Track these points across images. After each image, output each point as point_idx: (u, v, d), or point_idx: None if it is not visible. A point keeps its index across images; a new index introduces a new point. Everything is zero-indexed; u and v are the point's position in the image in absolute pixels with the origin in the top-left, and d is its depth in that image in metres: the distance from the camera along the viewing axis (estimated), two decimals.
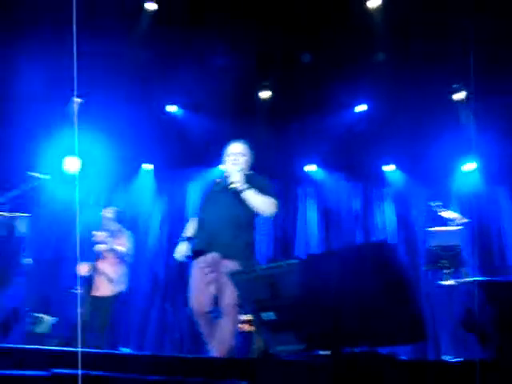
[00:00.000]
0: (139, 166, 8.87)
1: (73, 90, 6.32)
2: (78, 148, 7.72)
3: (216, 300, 3.73)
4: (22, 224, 5.17)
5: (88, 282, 5.56)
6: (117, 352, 3.18)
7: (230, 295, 3.55)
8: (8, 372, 1.76)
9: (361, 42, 6.94)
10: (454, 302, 5.00)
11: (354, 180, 8.80)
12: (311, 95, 7.76)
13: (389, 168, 8.70)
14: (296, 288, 2.86)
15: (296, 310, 2.83)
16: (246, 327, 6.11)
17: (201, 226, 3.87)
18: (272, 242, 8.64)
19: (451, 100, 7.65)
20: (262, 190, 3.79)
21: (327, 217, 8.77)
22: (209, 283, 3.74)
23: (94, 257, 5.64)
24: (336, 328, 2.69)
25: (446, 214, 5.60)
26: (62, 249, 7.46)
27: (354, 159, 8.46)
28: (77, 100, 7.43)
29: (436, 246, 5.12)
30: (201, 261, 3.79)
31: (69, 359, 1.92)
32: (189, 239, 3.94)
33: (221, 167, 4.15)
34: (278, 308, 3.03)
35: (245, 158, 3.96)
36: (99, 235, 5.64)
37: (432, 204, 5.77)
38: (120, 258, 5.78)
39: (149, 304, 8.16)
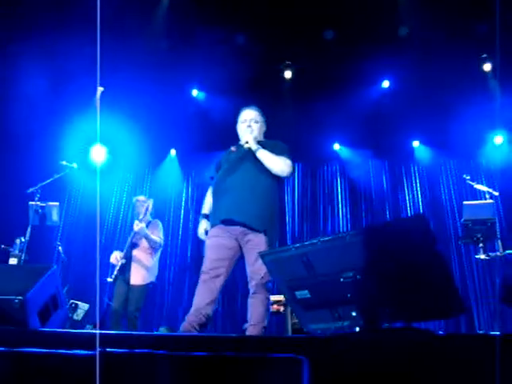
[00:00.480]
0: (167, 152, 8.92)
1: (96, 79, 6.35)
2: (105, 137, 7.82)
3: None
4: (54, 212, 5.24)
5: (122, 269, 5.54)
6: (156, 333, 3.23)
7: (260, 273, 3.42)
8: (53, 351, 1.78)
9: (384, 17, 6.80)
10: (491, 275, 4.93)
11: (381, 157, 8.71)
12: (335, 72, 7.66)
13: (416, 144, 8.59)
14: (331, 265, 2.83)
15: (333, 286, 2.81)
16: (276, 307, 6.16)
17: (220, 196, 3.67)
18: (300, 220, 8.65)
19: (479, 71, 7.48)
20: (276, 151, 3.72)
21: (355, 195, 8.72)
22: (228, 248, 3.55)
23: (127, 245, 5.59)
24: (375, 303, 2.67)
25: (480, 187, 5.50)
26: (93, 237, 7.56)
27: (380, 136, 8.36)
28: (100, 88, 7.47)
29: (470, 219, 5.04)
30: (222, 233, 3.57)
31: (104, 340, 1.93)
32: (207, 216, 3.81)
33: (237, 129, 4.01)
34: (312, 286, 3.00)
35: (258, 124, 3.88)
36: (139, 224, 5.53)
37: (466, 177, 5.66)
38: (154, 247, 5.73)
39: (179, 288, 8.24)
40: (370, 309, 2.80)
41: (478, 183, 5.67)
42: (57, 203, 5.34)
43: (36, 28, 6.51)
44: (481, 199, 5.48)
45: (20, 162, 6.53)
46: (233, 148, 3.91)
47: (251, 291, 3.49)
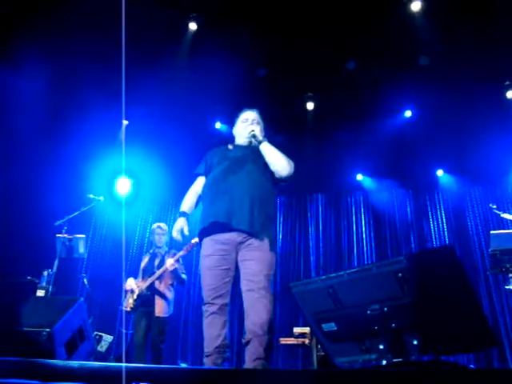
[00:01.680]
0: (191, 183, 8.99)
1: (121, 113, 6.47)
2: (130, 169, 7.95)
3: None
4: (81, 245, 5.32)
5: (144, 301, 5.54)
6: (182, 366, 3.18)
7: (263, 274, 3.13)
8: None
9: (405, 45, 6.85)
10: None
11: (405, 187, 8.67)
12: (357, 103, 7.70)
13: (440, 173, 8.54)
14: (358, 297, 2.81)
15: (360, 319, 2.78)
16: (302, 339, 6.10)
17: (217, 198, 3.31)
18: (324, 251, 8.60)
19: (502, 98, 7.45)
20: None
21: (379, 225, 8.66)
22: (227, 270, 3.22)
23: (154, 277, 5.61)
24: (403, 336, 2.63)
25: (507, 216, 5.43)
26: (117, 268, 7.61)
27: (403, 166, 8.33)
28: (125, 122, 7.62)
29: (498, 249, 4.96)
30: (217, 249, 3.25)
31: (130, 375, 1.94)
32: (185, 214, 3.50)
33: (234, 131, 3.79)
34: (339, 318, 2.97)
35: (259, 126, 3.61)
36: (174, 264, 5.52)
37: (492, 206, 5.60)
38: (181, 283, 5.77)
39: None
40: (398, 341, 2.76)
41: (504, 212, 5.60)
42: (83, 235, 5.42)
43: (56, 58, 6.67)
44: (508, 228, 5.39)
45: (48, 195, 6.65)
46: (230, 146, 3.66)
47: (253, 296, 3.10)
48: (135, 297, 5.56)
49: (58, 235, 5.23)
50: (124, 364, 1.92)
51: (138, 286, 5.64)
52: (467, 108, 7.32)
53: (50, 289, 5.07)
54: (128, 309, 5.62)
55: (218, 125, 8.51)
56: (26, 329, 3.20)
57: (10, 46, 6.26)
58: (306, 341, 6.08)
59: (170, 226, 6.86)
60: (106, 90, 6.65)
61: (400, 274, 2.67)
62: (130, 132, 7.58)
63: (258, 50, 7.08)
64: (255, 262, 3.14)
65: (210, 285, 3.19)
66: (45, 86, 6.69)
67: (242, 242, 3.21)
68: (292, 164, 3.43)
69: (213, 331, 3.12)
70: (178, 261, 5.58)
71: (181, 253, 5.52)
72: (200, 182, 3.61)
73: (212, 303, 3.17)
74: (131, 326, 5.70)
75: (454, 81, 7.10)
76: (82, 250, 5.32)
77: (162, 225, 6.05)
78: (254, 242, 3.19)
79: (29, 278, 5.55)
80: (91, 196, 5.62)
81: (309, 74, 7.42)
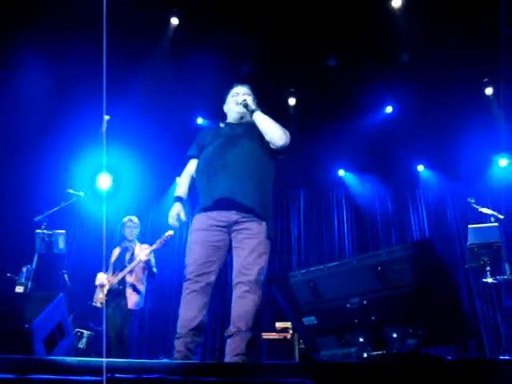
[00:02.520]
0: (173, 180, 8.96)
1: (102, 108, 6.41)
2: (111, 165, 7.89)
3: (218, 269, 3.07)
4: (61, 240, 5.28)
5: (116, 295, 5.52)
6: (164, 360, 3.13)
7: (256, 267, 2.97)
8: (62, 377, 1.78)
9: (386, 42, 6.89)
10: (499, 299, 4.90)
11: (386, 182, 8.73)
12: (338, 99, 7.74)
13: (421, 168, 8.62)
14: (338, 290, 2.83)
15: (340, 312, 2.80)
16: (283, 334, 6.13)
17: (211, 175, 3.14)
18: (306, 246, 8.64)
19: (482, 95, 7.55)
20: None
21: (360, 220, 8.72)
22: (218, 248, 3.05)
23: (126, 270, 5.59)
24: (382, 329, 2.66)
25: (485, 210, 5.50)
26: (96, 264, 7.57)
27: (384, 161, 8.40)
28: (106, 117, 7.56)
29: (476, 243, 5.03)
30: (210, 224, 3.07)
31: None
32: (181, 199, 3.34)
33: (225, 108, 3.60)
34: (319, 312, 2.99)
35: (250, 97, 3.41)
36: (148, 255, 5.53)
37: (471, 201, 5.66)
38: (152, 276, 5.78)
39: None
40: (378, 334, 2.78)
41: (482, 206, 5.67)
42: (63, 231, 5.38)
43: (40, 53, 6.60)
44: (486, 222, 5.45)
45: (27, 190, 6.59)
46: (221, 124, 3.50)
47: (241, 289, 2.94)
48: (105, 292, 5.52)
49: (37, 231, 5.17)
50: (104, 359, 1.91)
51: (108, 281, 5.60)
52: (447, 104, 7.40)
53: (29, 285, 5.02)
54: (98, 304, 5.60)
55: (199, 120, 8.48)
56: (4, 325, 3.16)
57: None
58: (288, 335, 6.10)
59: (150, 221, 6.83)
60: (88, 86, 6.58)
61: (379, 268, 2.69)
62: (111, 128, 7.52)
63: (239, 45, 7.06)
64: (250, 252, 2.98)
65: (197, 260, 3.00)
66: (26, 83, 6.62)
67: (238, 222, 3.03)
68: (288, 134, 3.22)
69: (190, 312, 2.92)
70: (150, 253, 5.59)
71: (154, 246, 5.51)
72: (193, 164, 3.41)
73: (195, 280, 2.97)
74: (103, 322, 5.72)
75: (433, 77, 7.17)
76: (61, 245, 5.28)
77: (134, 218, 5.99)
78: (251, 225, 3.02)
79: (8, 274, 5.51)
80: (71, 191, 5.56)
81: (290, 69, 7.43)
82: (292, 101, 8.19)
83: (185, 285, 3.02)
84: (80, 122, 7.20)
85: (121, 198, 8.45)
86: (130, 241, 5.90)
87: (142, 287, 5.65)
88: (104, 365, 1.80)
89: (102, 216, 6.85)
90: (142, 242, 6.10)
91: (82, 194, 5.61)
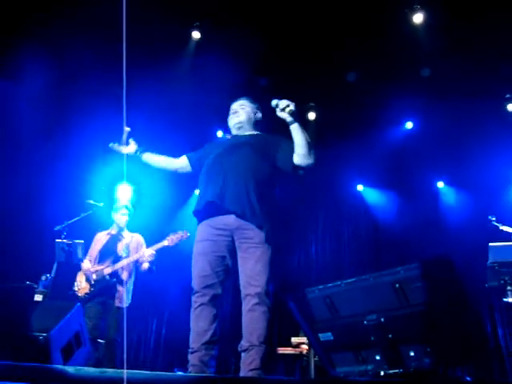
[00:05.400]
0: (192, 192, 9.01)
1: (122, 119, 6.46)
2: (131, 175, 7.96)
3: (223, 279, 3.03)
4: (80, 250, 5.31)
5: (102, 289, 5.16)
6: (181, 374, 3.12)
7: (263, 279, 2.92)
8: None
9: (407, 57, 6.89)
10: None
11: (406, 198, 8.67)
12: (358, 114, 7.73)
13: (441, 184, 8.55)
14: (355, 307, 2.82)
15: (356, 329, 2.78)
16: (299, 349, 6.09)
17: (211, 181, 3.14)
18: (323, 261, 8.60)
19: (503, 111, 7.48)
20: (284, 145, 3.26)
21: (379, 236, 8.66)
22: (223, 257, 3.04)
23: (120, 264, 5.23)
24: (400, 347, 2.63)
25: (506, 228, 5.43)
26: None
27: (404, 177, 8.35)
28: (127, 129, 7.62)
29: (497, 261, 4.95)
30: (212, 233, 3.05)
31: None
32: (146, 151, 3.48)
33: (229, 122, 3.57)
34: (335, 328, 2.97)
35: (245, 109, 3.43)
36: (153, 254, 5.15)
37: (491, 219, 5.59)
38: (150, 272, 5.37)
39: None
40: (395, 352, 2.75)
41: (503, 224, 5.59)
42: (82, 241, 5.41)
43: (56, 62, 6.69)
44: (506, 240, 5.37)
45: (48, 200, 6.67)
46: (228, 136, 3.54)
47: (251, 302, 2.91)
48: (93, 282, 5.17)
49: (57, 240, 5.23)
50: (125, 370, 1.92)
51: (95, 270, 5.23)
52: (468, 120, 7.34)
53: (48, 293, 5.07)
54: (81, 294, 5.16)
55: (219, 133, 8.52)
56: (23, 333, 3.20)
57: (9, 51, 6.28)
58: (304, 350, 6.07)
59: (169, 232, 6.77)
60: (107, 96, 6.67)
61: (397, 285, 2.67)
62: (131, 137, 7.58)
63: (260, 59, 7.11)
64: (255, 262, 2.95)
65: (201, 271, 2.99)
66: (45, 91, 6.71)
67: (239, 228, 3.00)
68: (314, 155, 3.21)
69: (201, 325, 2.92)
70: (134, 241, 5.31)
71: (165, 242, 5.13)
72: (179, 159, 3.55)
73: (202, 293, 2.97)
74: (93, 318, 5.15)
75: (455, 93, 7.13)
76: (80, 255, 5.31)
77: (128, 204, 5.73)
78: (251, 234, 2.99)
79: (27, 283, 5.56)
80: (91, 202, 5.62)
81: (310, 84, 7.45)
82: (312, 115, 8.19)
83: (193, 298, 3.02)
84: (100, 132, 7.29)
85: (140, 210, 8.51)
86: (121, 228, 5.56)
87: (131, 284, 5.32)
88: (125, 378, 1.80)
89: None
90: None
91: (101, 204, 5.67)
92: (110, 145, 3.55)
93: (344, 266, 8.50)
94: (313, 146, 3.19)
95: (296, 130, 3.12)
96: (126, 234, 5.58)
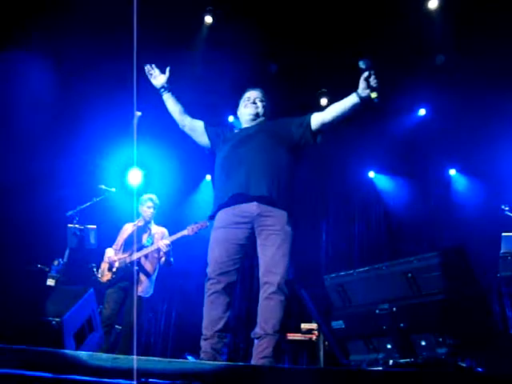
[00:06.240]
0: (203, 177, 9.02)
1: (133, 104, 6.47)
2: (142, 160, 7.97)
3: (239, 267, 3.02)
4: (92, 235, 5.33)
5: (124, 276, 5.22)
6: (193, 361, 3.13)
7: (282, 267, 2.90)
8: (88, 378, 1.80)
9: (421, 44, 6.80)
10: None
11: (417, 185, 8.61)
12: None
13: (453, 172, 8.49)
14: (367, 296, 2.82)
15: (368, 318, 2.79)
16: (310, 336, 6.10)
17: (230, 171, 3.14)
18: (335, 248, 8.58)
19: None
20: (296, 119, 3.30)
21: (390, 223, 8.62)
22: (242, 246, 3.02)
23: (143, 252, 5.27)
24: (411, 336, 2.63)
25: None
26: None
27: (416, 164, 8.30)
28: (137, 113, 7.62)
29: (509, 251, 4.91)
30: (232, 220, 3.04)
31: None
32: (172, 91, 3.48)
33: (238, 113, 3.58)
34: (347, 317, 2.98)
35: (263, 103, 3.43)
36: (169, 246, 5.15)
37: (505, 208, 5.53)
38: (169, 266, 5.43)
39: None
40: (406, 342, 2.75)
41: None
42: (94, 226, 5.42)
43: (68, 50, 6.69)
44: None
45: (60, 185, 6.69)
46: (236, 130, 3.50)
47: (268, 290, 2.89)
48: (115, 269, 5.27)
49: (69, 225, 5.24)
50: (135, 357, 1.93)
51: (118, 258, 5.33)
52: (482, 109, 7.25)
53: (61, 278, 5.10)
54: (104, 280, 5.28)
55: (231, 118, 8.49)
56: (35, 317, 3.23)
57: (21, 38, 6.27)
58: (314, 337, 6.07)
59: (181, 219, 6.75)
60: (118, 81, 6.65)
61: (410, 275, 2.67)
62: (142, 123, 7.59)
63: (271, 46, 7.06)
64: (276, 249, 2.92)
65: (218, 258, 2.98)
66: (57, 78, 6.71)
67: (261, 215, 2.99)
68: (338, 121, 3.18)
69: (215, 312, 2.92)
70: (170, 244, 5.26)
71: (185, 232, 5.10)
72: (195, 120, 3.54)
73: (217, 280, 2.95)
74: (102, 301, 5.22)
75: (469, 80, 7.04)
76: (93, 240, 5.32)
77: (154, 197, 5.68)
78: (274, 221, 2.97)
79: (39, 266, 5.59)
80: (103, 187, 5.62)
81: (322, 69, 7.40)
82: (324, 101, 8.13)
83: (207, 285, 3.01)
84: (112, 117, 7.29)
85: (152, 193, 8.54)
86: (148, 222, 5.59)
87: (154, 274, 5.38)
88: (135, 364, 1.81)
89: (133, 212, 6.90)
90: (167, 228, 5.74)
91: (113, 189, 5.67)
92: (147, 66, 3.51)
93: (354, 255, 8.47)
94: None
95: (351, 103, 3.07)
96: (154, 227, 5.62)
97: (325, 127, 3.21)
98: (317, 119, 3.21)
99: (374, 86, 2.97)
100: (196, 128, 3.52)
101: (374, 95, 2.94)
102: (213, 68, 7.46)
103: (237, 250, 3.01)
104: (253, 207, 3.00)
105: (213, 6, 7.09)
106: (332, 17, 6.66)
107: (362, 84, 3.00)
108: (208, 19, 7.19)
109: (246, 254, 3.07)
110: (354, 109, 3.08)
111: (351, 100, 3.07)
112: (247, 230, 3.02)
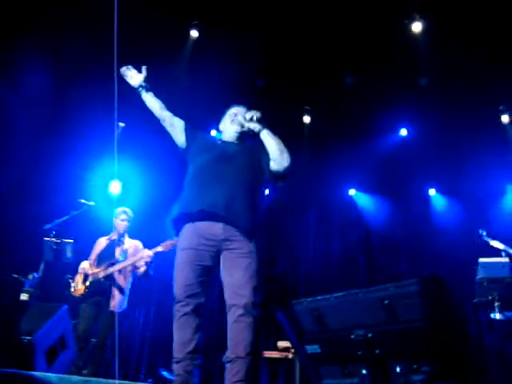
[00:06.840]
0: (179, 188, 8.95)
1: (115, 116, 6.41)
2: (121, 172, 7.91)
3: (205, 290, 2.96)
4: (68, 249, 5.25)
5: (99, 291, 5.16)
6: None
7: (249, 289, 2.87)
8: None
9: (404, 65, 6.89)
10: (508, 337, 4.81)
11: (397, 204, 8.67)
12: (353, 118, 7.74)
13: (432, 192, 8.56)
14: (343, 321, 2.80)
15: (343, 343, 2.77)
16: (286, 354, 6.08)
17: (204, 186, 3.09)
18: (314, 265, 8.56)
19: (498, 122, 7.51)
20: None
21: (370, 241, 8.64)
22: (207, 267, 2.98)
23: (119, 266, 5.23)
24: (386, 362, 2.62)
25: (496, 244, 5.39)
26: None
27: (396, 183, 8.36)
28: (121, 124, 7.56)
29: (485, 277, 4.93)
30: (197, 241, 2.99)
31: None
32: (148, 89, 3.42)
33: (221, 127, 3.54)
34: (323, 341, 2.96)
35: (258, 113, 3.36)
36: (150, 254, 5.07)
37: (482, 233, 5.55)
38: (145, 272, 5.25)
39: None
40: (381, 368, 2.75)
41: (493, 239, 5.55)
42: (71, 240, 5.34)
43: (55, 61, 6.64)
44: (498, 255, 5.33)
45: (39, 197, 6.60)
46: (218, 141, 3.45)
47: (236, 313, 2.85)
48: (88, 284, 5.19)
49: (45, 239, 5.15)
50: (105, 380, 1.89)
51: (92, 272, 5.25)
52: (462, 130, 7.37)
53: (35, 292, 5.00)
54: (77, 294, 5.19)
55: (213, 132, 8.47)
56: (7, 334, 3.17)
57: (9, 49, 6.22)
58: (290, 355, 6.05)
59: (159, 227, 6.63)
60: (102, 94, 6.61)
61: (387, 301, 2.66)
62: (123, 136, 7.53)
63: (257, 61, 7.08)
64: (243, 271, 2.89)
65: (185, 281, 2.92)
66: (41, 90, 6.65)
67: (227, 240, 2.96)
68: (290, 158, 3.17)
69: (185, 335, 2.86)
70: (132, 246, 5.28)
71: (159, 248, 5.06)
72: (175, 118, 3.48)
73: (186, 302, 2.89)
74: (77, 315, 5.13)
75: (450, 102, 7.16)
76: (69, 254, 5.23)
77: (128, 210, 5.65)
78: (240, 245, 2.96)
79: (15, 275, 5.46)
80: (82, 201, 5.54)
81: (306, 87, 7.44)
82: (307, 118, 8.18)
83: (176, 307, 2.95)
84: (93, 131, 7.23)
85: (129, 204, 8.46)
86: (122, 235, 5.54)
87: (127, 289, 5.32)
88: None
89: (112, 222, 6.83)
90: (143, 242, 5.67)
91: (92, 203, 5.60)
92: (123, 68, 3.43)
93: (333, 274, 8.42)
94: (286, 149, 3.17)
95: (266, 137, 3.17)
96: (127, 240, 5.57)
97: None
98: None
99: (250, 117, 3.20)
100: (175, 125, 3.47)
101: (254, 118, 3.19)
102: (198, 82, 7.46)
103: (203, 272, 2.96)
104: (218, 229, 2.98)
105: (198, 20, 7.10)
106: (319, 37, 6.72)
107: (251, 126, 3.21)
108: (194, 33, 7.19)
109: (214, 275, 3.03)
110: (268, 139, 3.17)
111: (263, 138, 3.20)
112: (212, 251, 2.99)
